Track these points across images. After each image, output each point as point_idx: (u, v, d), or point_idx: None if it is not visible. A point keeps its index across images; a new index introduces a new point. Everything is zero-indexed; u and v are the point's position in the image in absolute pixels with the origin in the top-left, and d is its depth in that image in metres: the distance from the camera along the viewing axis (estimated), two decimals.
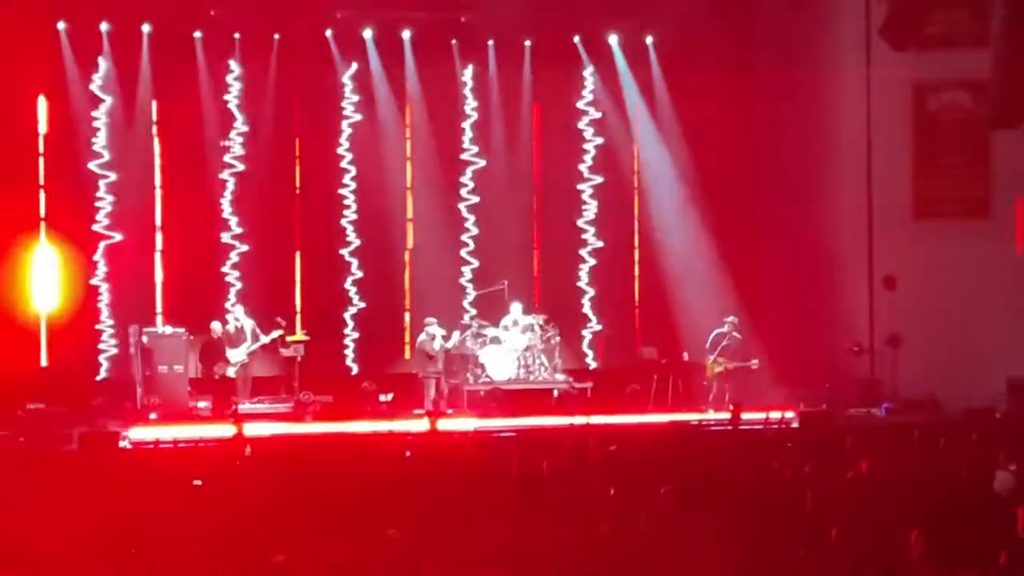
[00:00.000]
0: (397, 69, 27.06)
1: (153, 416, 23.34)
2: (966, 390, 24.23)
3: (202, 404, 24.12)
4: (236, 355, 24.52)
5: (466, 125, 27.50)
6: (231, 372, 24.51)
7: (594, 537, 12.48)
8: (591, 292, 27.94)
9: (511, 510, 13.53)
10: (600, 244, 27.97)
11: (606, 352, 27.47)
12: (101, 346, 25.64)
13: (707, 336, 25.45)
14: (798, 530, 12.79)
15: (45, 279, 25.47)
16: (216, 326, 24.53)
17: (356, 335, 26.87)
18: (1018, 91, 22.61)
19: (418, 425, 22.26)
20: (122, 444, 20.81)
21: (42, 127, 25.59)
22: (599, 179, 27.98)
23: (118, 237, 25.69)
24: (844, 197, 27.54)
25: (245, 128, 26.41)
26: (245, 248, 26.31)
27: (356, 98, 26.97)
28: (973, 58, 25.08)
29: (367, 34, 26.83)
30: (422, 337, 25.05)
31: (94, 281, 25.58)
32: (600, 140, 28.06)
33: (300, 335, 25.27)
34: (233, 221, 26.27)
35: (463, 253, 27.31)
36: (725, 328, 25.27)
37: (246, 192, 26.36)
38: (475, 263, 27.32)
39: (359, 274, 26.89)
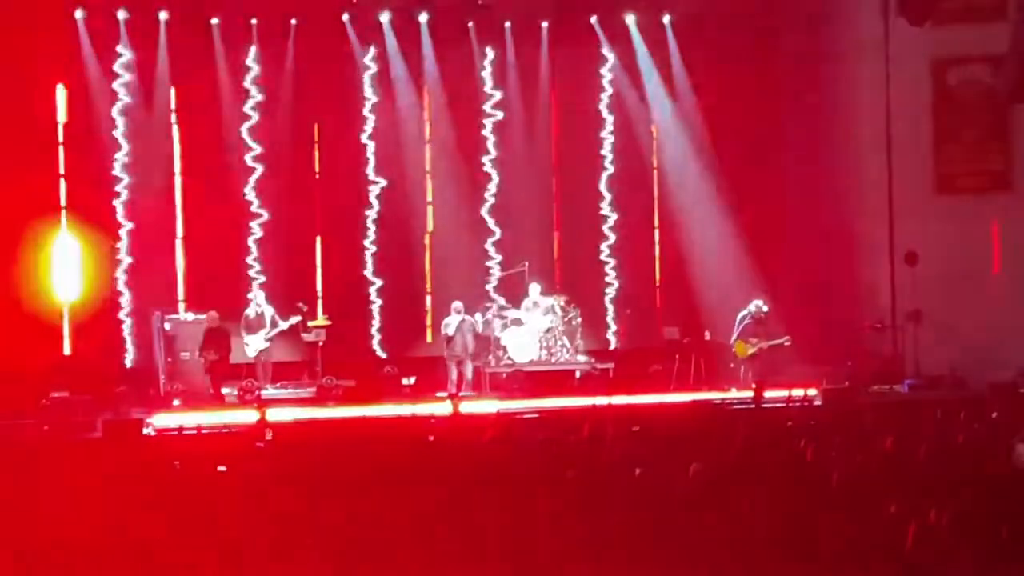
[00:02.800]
0: (414, 52, 27.08)
1: (176, 403, 23.42)
2: (989, 365, 24.16)
3: (226, 391, 24.20)
4: (256, 341, 24.58)
5: (484, 107, 27.49)
6: (251, 353, 24.59)
7: (618, 517, 12.48)
8: (612, 273, 27.93)
9: (533, 492, 13.51)
10: (620, 224, 27.95)
11: (628, 332, 27.46)
12: (123, 333, 25.70)
13: (729, 315, 25.45)
14: (823, 508, 12.77)
15: (67, 267, 25.54)
16: (213, 315, 24.44)
17: (378, 319, 26.91)
18: None
19: (441, 408, 22.25)
20: (146, 431, 20.87)
21: (61, 115, 25.66)
22: (618, 159, 27.96)
23: (139, 224, 25.77)
24: (864, 173, 27.46)
25: (264, 113, 26.44)
26: (266, 234, 26.36)
27: (374, 82, 26.99)
28: (992, 32, 25.00)
29: (384, 17, 26.83)
30: (445, 320, 25.11)
31: (116, 269, 25.65)
32: (619, 120, 28.03)
33: (322, 320, 25.31)
34: (253, 206, 26.31)
35: (483, 236, 27.32)
36: (751, 309, 25.23)
37: (266, 177, 26.41)
38: (496, 246, 27.32)
39: (380, 258, 26.91)
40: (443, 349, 25.11)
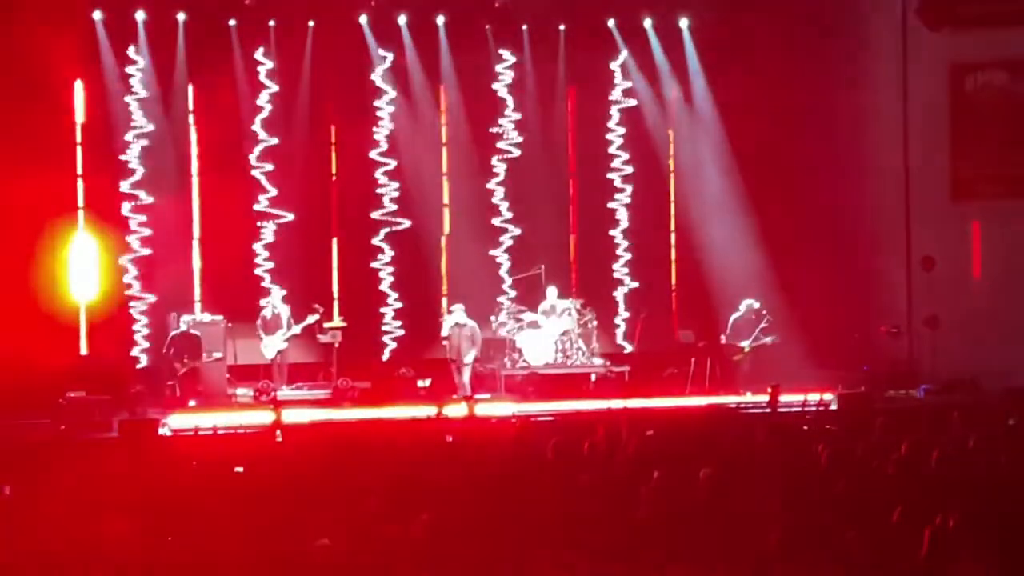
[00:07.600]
0: (431, 55, 27.08)
1: (192, 403, 23.45)
2: (1006, 370, 24.10)
3: (241, 391, 24.23)
4: (273, 341, 24.63)
5: (501, 110, 27.48)
6: (268, 354, 24.63)
7: (632, 520, 12.49)
8: (628, 276, 27.91)
9: (549, 494, 13.52)
10: (636, 227, 27.94)
11: (643, 336, 27.41)
12: (140, 333, 25.73)
13: (744, 319, 25.42)
14: (838, 512, 12.76)
15: (83, 267, 25.56)
16: (187, 318, 24.48)
17: (393, 321, 26.91)
18: None
19: (455, 410, 22.23)
20: (162, 431, 20.90)
21: (79, 115, 25.68)
22: (635, 162, 27.94)
23: (155, 224, 25.78)
24: (881, 178, 27.43)
25: (280, 115, 26.46)
26: (282, 235, 26.38)
27: (391, 84, 26.99)
28: (1010, 37, 24.95)
29: (401, 20, 26.84)
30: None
31: (132, 269, 25.66)
32: (635, 123, 28.02)
33: (337, 321, 25.33)
34: (270, 207, 26.33)
35: (500, 238, 27.31)
36: (742, 310, 25.25)
37: (282, 179, 26.41)
38: (511, 248, 27.32)
39: (396, 260, 26.91)
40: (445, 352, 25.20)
